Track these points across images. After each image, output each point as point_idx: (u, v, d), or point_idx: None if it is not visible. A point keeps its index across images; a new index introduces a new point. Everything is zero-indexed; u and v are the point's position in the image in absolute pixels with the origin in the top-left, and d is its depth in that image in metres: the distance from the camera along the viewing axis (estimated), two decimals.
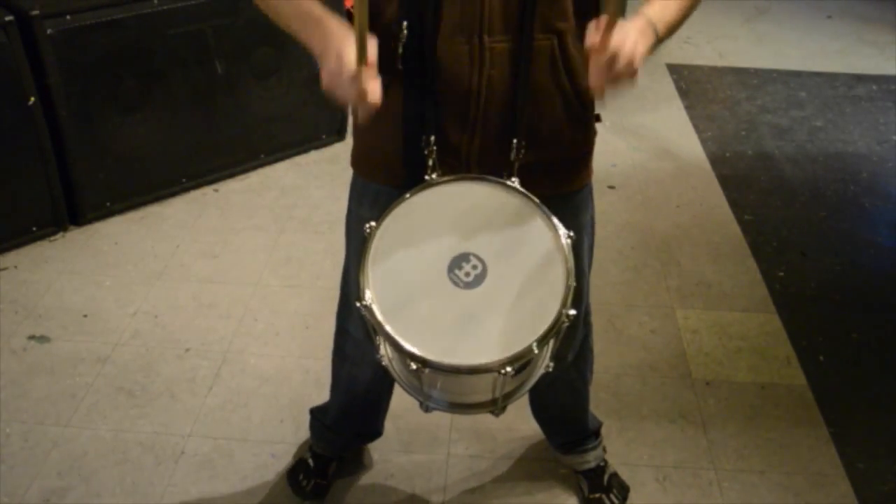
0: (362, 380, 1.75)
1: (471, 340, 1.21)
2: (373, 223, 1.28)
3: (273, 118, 3.21)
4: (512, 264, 1.26)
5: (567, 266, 1.24)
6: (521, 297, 1.24)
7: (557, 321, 1.21)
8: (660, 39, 1.26)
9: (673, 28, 1.29)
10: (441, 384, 1.32)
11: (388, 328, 1.21)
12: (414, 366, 1.20)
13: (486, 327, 1.22)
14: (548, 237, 1.27)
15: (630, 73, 1.16)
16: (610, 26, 1.14)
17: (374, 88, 1.17)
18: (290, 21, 1.29)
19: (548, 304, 1.22)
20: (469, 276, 1.24)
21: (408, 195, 1.30)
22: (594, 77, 1.18)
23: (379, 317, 1.21)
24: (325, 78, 1.19)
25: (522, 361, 1.22)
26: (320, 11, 1.25)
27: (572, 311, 1.22)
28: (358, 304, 1.23)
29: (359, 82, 1.16)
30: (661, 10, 1.26)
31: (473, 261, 1.25)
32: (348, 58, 1.15)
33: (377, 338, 1.35)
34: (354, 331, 1.67)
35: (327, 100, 1.24)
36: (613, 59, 1.15)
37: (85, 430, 2.09)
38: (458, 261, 1.25)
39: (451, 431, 2.12)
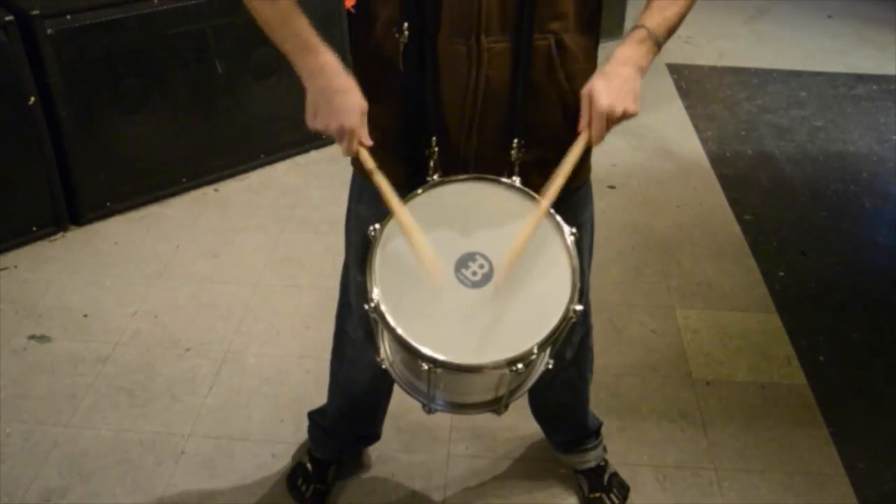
0: (360, 382, 1.74)
1: (479, 339, 1.22)
2: (377, 225, 1.27)
3: (273, 118, 3.21)
4: (518, 262, 1.26)
5: (573, 264, 1.25)
6: (528, 294, 1.24)
7: (565, 317, 1.22)
8: (661, 46, 1.31)
9: (673, 30, 1.33)
10: (444, 384, 1.31)
11: (397, 328, 1.20)
12: (425, 366, 1.19)
13: (495, 325, 1.22)
14: (553, 235, 1.28)
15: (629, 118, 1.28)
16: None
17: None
18: (275, 34, 1.30)
19: (555, 301, 1.23)
20: (476, 276, 1.24)
21: (416, 193, 1.30)
22: (595, 137, 1.29)
23: (388, 317, 1.21)
24: (318, 121, 1.27)
25: (532, 358, 1.22)
26: (313, 38, 1.27)
27: (579, 307, 1.23)
28: (365, 306, 1.23)
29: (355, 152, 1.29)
30: (660, 16, 1.31)
31: (480, 260, 1.25)
32: (352, 143, 1.27)
33: (378, 339, 1.35)
34: (353, 332, 1.67)
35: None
36: (608, 123, 1.26)
37: (85, 429, 2.09)
38: (464, 260, 1.25)
39: (451, 431, 2.11)
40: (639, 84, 1.29)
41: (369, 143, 1.28)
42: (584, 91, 1.28)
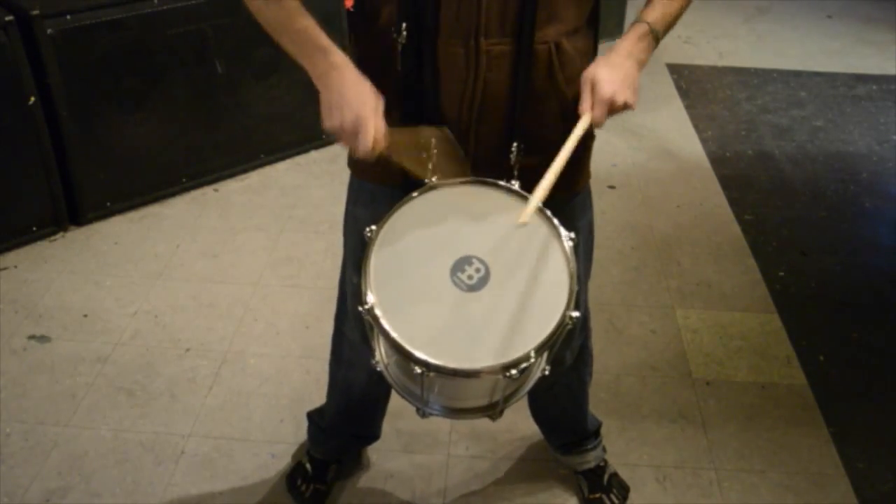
0: (359, 383, 1.74)
1: (474, 343, 1.20)
2: (373, 227, 1.26)
3: (273, 118, 3.21)
4: (514, 267, 1.25)
5: (570, 269, 1.24)
6: (525, 299, 1.23)
7: (561, 324, 1.20)
8: (659, 41, 1.33)
9: (672, 25, 1.36)
10: (439, 388, 1.30)
11: (391, 331, 1.20)
12: (418, 369, 1.19)
13: (490, 330, 1.21)
14: (550, 240, 1.27)
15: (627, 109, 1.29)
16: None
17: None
18: (282, 36, 1.26)
19: (551, 307, 1.21)
20: (472, 279, 1.23)
21: (412, 196, 1.29)
22: (597, 120, 1.29)
23: (382, 320, 1.20)
24: (334, 126, 1.22)
25: (526, 364, 1.21)
26: (322, 39, 1.24)
27: (575, 313, 1.22)
28: (360, 308, 1.22)
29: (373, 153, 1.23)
30: (661, 12, 1.33)
31: (476, 263, 1.24)
32: (367, 133, 1.20)
33: (373, 342, 1.34)
34: (351, 333, 1.67)
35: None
36: (609, 109, 1.27)
37: (85, 430, 2.09)
38: (461, 263, 1.24)
39: (451, 432, 2.11)
40: (638, 78, 1.31)
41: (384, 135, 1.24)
42: (586, 76, 1.28)
